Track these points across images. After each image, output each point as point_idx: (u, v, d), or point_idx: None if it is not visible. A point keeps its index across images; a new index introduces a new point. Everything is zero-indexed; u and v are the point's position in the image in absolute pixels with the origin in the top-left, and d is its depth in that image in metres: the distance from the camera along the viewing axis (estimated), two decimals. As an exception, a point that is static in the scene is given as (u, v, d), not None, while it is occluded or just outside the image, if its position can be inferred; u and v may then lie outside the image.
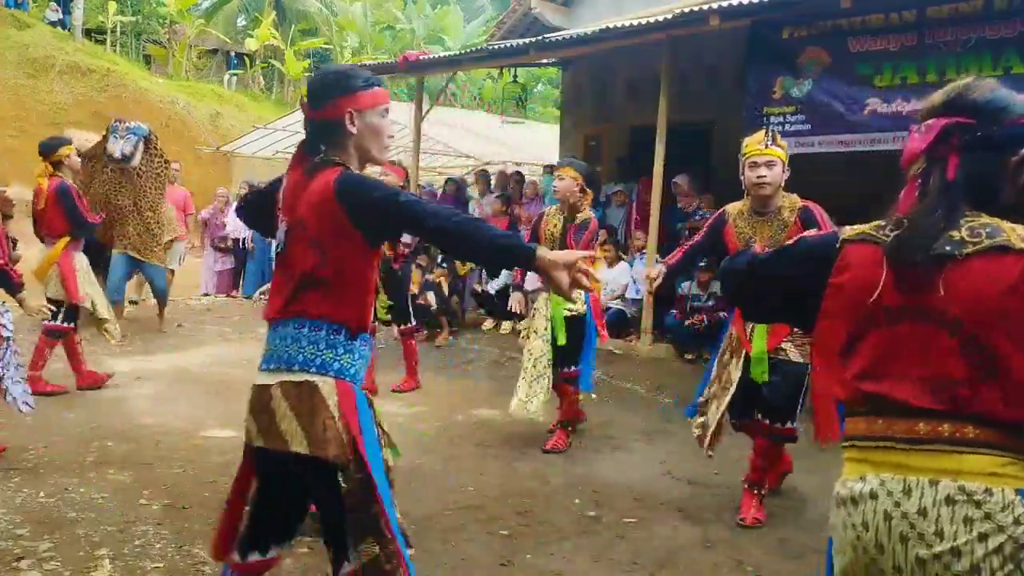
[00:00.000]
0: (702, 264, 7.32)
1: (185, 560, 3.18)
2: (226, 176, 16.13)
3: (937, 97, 1.60)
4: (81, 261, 5.65)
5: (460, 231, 1.95)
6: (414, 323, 6.20)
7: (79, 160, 5.84)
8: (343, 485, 1.98)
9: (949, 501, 1.44)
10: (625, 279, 8.14)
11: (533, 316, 4.89)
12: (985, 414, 1.45)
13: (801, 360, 3.68)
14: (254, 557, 2.17)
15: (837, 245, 1.62)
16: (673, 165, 7.64)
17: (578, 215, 4.75)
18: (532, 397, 4.69)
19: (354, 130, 2.07)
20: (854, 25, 6.43)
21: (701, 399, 4.02)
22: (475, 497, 3.99)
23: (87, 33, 23.81)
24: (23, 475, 4.02)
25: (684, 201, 8.23)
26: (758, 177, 3.67)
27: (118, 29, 26.78)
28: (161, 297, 8.04)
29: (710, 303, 7.33)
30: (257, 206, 2.39)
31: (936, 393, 1.48)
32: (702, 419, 3.98)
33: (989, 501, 1.41)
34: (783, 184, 3.76)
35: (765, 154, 3.67)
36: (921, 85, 6.04)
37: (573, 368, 4.80)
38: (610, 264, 8.17)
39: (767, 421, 3.79)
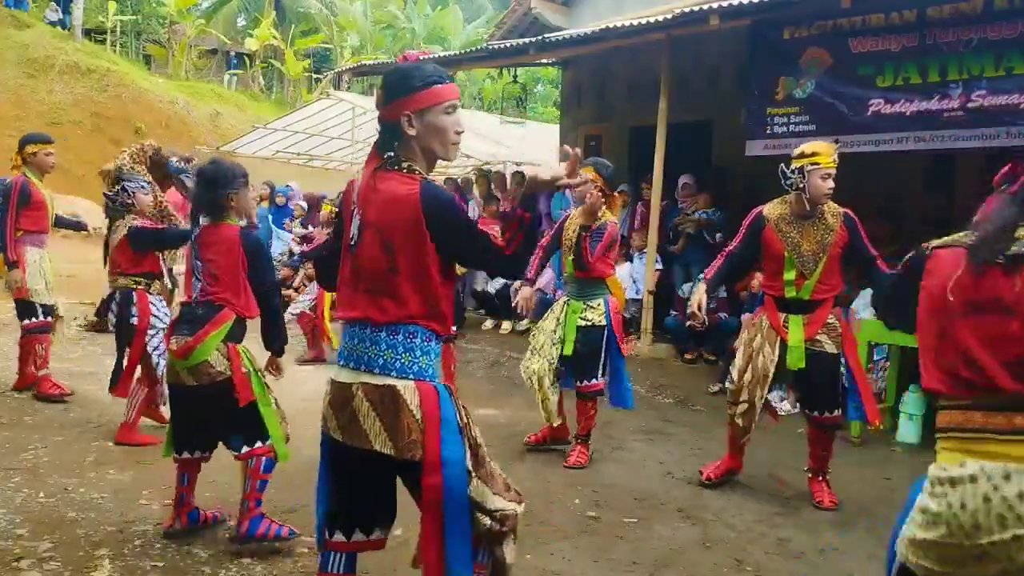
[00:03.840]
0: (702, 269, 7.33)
1: (185, 560, 3.17)
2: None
3: None
4: (33, 257, 5.49)
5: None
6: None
7: (50, 159, 5.61)
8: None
9: None
10: (626, 280, 8.13)
11: (546, 318, 4.78)
12: None
13: (835, 350, 3.97)
14: (358, 537, 2.23)
15: (928, 252, 1.88)
16: (673, 165, 7.64)
17: (596, 220, 4.57)
18: (544, 399, 4.58)
19: (413, 132, 2.07)
20: (855, 25, 6.42)
21: (732, 387, 4.13)
22: (475, 497, 3.98)
23: (87, 33, 23.81)
24: (23, 475, 4.01)
25: (688, 201, 8.23)
26: (829, 188, 3.91)
27: (118, 29, 26.80)
28: None
29: (711, 304, 7.31)
30: (332, 264, 2.29)
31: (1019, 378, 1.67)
32: (744, 407, 4.06)
33: None
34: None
35: (833, 166, 3.90)
36: (924, 85, 6.04)
37: (589, 382, 4.60)
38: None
39: (815, 413, 4.06)
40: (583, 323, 4.56)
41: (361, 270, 2.10)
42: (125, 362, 4.62)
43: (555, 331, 4.63)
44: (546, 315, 4.82)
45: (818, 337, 3.97)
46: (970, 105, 5.82)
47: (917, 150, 6.26)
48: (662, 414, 5.92)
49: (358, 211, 2.11)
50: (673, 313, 7.55)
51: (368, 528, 2.24)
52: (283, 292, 9.75)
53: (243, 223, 3.40)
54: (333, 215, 7.62)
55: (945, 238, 1.86)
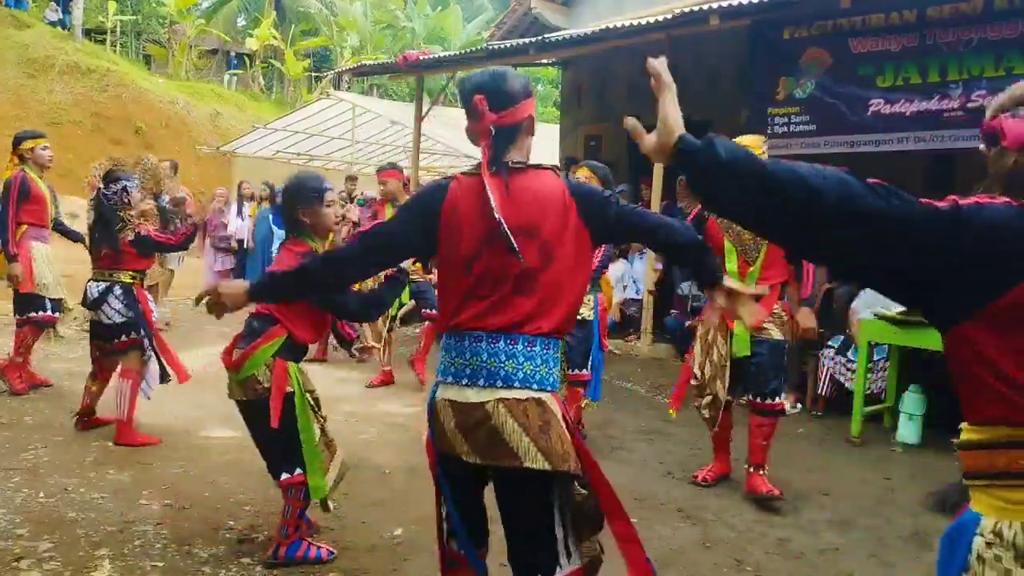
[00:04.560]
0: None
1: (185, 560, 3.17)
2: (226, 176, 16.14)
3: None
4: (40, 250, 5.56)
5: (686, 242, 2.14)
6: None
7: (47, 153, 5.65)
8: (582, 492, 2.03)
9: None
10: (618, 279, 8.13)
11: None
12: None
13: (781, 337, 4.04)
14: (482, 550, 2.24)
15: None
16: (673, 165, 7.63)
17: None
18: None
19: (531, 131, 2.13)
20: (854, 25, 6.42)
21: (695, 382, 4.25)
22: (475, 497, 3.98)
23: (87, 33, 23.80)
24: (23, 475, 4.01)
25: (686, 201, 8.22)
26: None
27: (118, 29, 26.80)
28: None
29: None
30: (385, 251, 2.20)
31: None
32: (708, 399, 4.20)
33: None
34: None
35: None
36: (924, 86, 6.05)
37: (578, 371, 4.79)
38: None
39: (757, 399, 4.07)
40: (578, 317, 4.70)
41: (492, 279, 2.00)
42: (163, 357, 4.67)
43: None
44: None
45: (764, 325, 4.04)
46: (970, 105, 5.82)
47: (917, 150, 6.27)
48: (662, 414, 5.91)
49: (501, 216, 1.96)
50: (673, 312, 7.55)
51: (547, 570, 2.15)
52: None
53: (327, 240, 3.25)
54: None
55: None
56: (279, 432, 3.03)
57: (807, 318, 4.22)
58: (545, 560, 1.99)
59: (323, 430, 3.18)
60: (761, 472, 4.09)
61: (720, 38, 7.45)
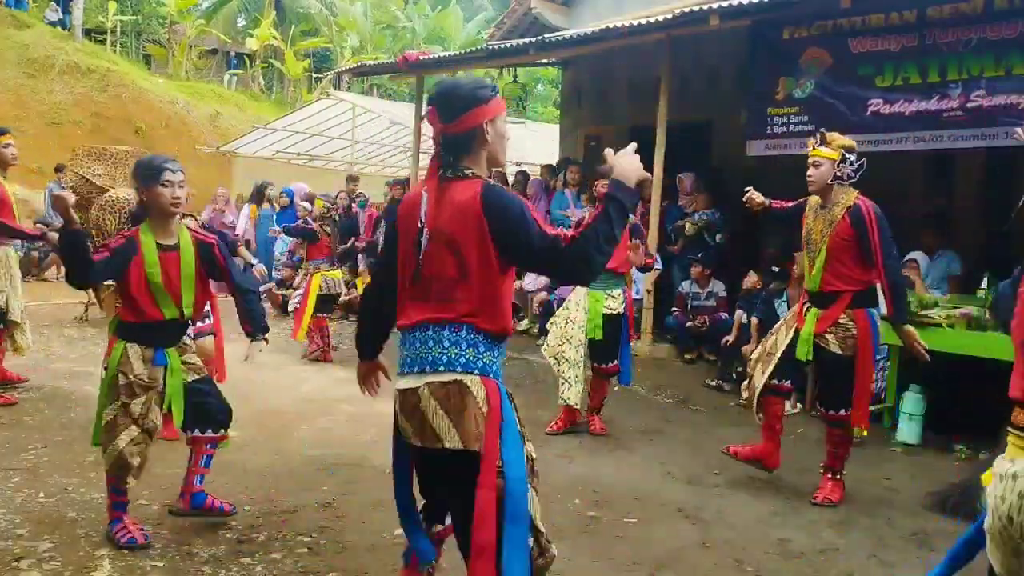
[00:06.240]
0: (696, 257, 7.36)
1: (185, 560, 3.17)
2: (226, 176, 16.12)
3: None
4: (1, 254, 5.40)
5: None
6: None
7: (9, 151, 5.43)
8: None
9: None
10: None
11: (567, 308, 5.16)
12: None
13: (840, 352, 3.98)
14: (437, 528, 2.41)
15: None
16: (673, 165, 7.64)
17: None
18: (575, 382, 5.03)
19: (489, 139, 2.16)
20: (854, 25, 6.42)
21: (741, 369, 4.38)
22: (475, 497, 3.98)
23: (87, 33, 23.78)
24: (23, 475, 4.01)
25: (685, 200, 8.23)
26: (807, 176, 4.04)
27: (118, 29, 26.78)
28: None
29: (710, 303, 7.33)
30: (390, 284, 2.31)
31: None
32: (746, 382, 4.27)
33: None
34: (833, 178, 4.00)
35: (813, 155, 4.02)
36: (923, 85, 6.04)
37: (609, 364, 5.14)
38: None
39: (824, 409, 4.12)
40: (608, 311, 5.04)
41: (427, 278, 2.15)
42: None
43: (581, 319, 5.02)
44: (565, 306, 5.22)
45: (826, 335, 4.00)
46: (969, 105, 5.82)
47: (916, 150, 6.27)
48: (662, 414, 5.92)
49: (424, 223, 2.14)
50: (674, 312, 7.55)
51: (442, 519, 2.42)
52: (283, 292, 9.76)
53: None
54: (325, 211, 7.63)
55: None
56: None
57: (910, 336, 3.92)
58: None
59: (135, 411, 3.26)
60: (830, 475, 4.12)
61: (720, 38, 7.45)
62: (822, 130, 4.14)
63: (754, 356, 4.28)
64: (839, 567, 3.38)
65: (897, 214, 7.07)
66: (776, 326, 4.33)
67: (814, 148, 4.00)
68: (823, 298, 4.03)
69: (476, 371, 2.11)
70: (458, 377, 2.09)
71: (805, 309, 4.10)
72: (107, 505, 3.33)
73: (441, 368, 2.10)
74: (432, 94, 2.22)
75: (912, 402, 5.27)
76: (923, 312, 5.05)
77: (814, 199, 4.16)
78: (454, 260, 2.10)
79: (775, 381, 4.12)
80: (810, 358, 4.06)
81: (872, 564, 3.42)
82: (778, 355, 4.09)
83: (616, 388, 5.63)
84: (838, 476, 4.12)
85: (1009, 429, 1.88)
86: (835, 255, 3.96)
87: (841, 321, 3.98)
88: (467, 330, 2.11)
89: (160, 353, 3.30)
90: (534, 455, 2.25)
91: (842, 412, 4.02)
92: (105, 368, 3.31)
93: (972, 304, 5.14)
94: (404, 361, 2.19)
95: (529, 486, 2.13)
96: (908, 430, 5.28)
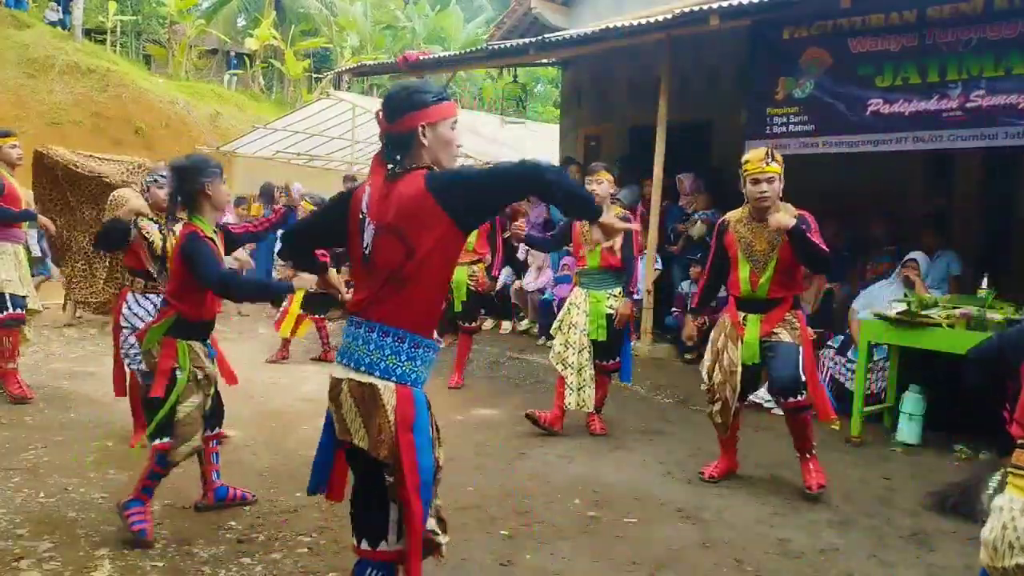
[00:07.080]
0: (696, 258, 7.37)
1: (185, 560, 3.18)
2: (227, 176, 16.13)
3: None
4: (6, 247, 5.42)
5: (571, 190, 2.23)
6: (477, 323, 6.67)
7: (15, 152, 5.59)
8: (389, 479, 2.15)
9: None
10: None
11: (569, 311, 5.18)
12: None
13: (792, 341, 4.08)
14: (382, 547, 2.21)
15: None
16: (673, 165, 7.65)
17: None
18: (583, 385, 5.05)
19: (426, 142, 2.19)
20: (854, 25, 6.42)
21: (706, 386, 4.30)
22: (475, 497, 3.99)
23: (87, 33, 23.77)
24: (23, 475, 4.02)
25: (685, 200, 8.24)
26: (760, 193, 4.02)
27: (118, 29, 26.77)
28: None
29: (711, 304, 7.32)
30: (309, 236, 2.55)
31: None
32: (718, 406, 4.23)
33: None
34: (780, 194, 4.08)
35: (766, 171, 4.00)
36: (923, 85, 6.04)
37: (611, 361, 5.18)
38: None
39: (781, 399, 4.17)
40: (610, 311, 5.07)
41: (373, 274, 2.19)
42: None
43: (587, 324, 5.05)
44: (566, 309, 5.23)
45: (775, 331, 4.09)
46: (969, 105, 5.82)
47: (916, 150, 6.27)
48: (662, 414, 5.92)
49: (370, 219, 2.20)
50: (674, 311, 7.55)
51: (373, 539, 2.21)
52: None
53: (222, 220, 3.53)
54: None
55: None
56: (161, 401, 3.28)
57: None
58: (372, 531, 2.20)
59: (201, 406, 3.41)
60: (807, 457, 4.19)
61: (720, 38, 7.45)
62: (770, 147, 4.18)
63: (716, 379, 4.21)
64: (839, 567, 3.39)
65: (897, 214, 7.14)
66: (717, 342, 4.24)
67: (767, 165, 4.00)
68: (766, 304, 4.13)
69: (393, 378, 2.15)
70: (373, 381, 2.15)
71: (742, 318, 4.15)
72: (137, 487, 3.35)
73: (362, 368, 2.17)
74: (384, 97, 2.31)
75: (912, 402, 5.27)
76: (923, 312, 5.05)
77: (735, 215, 4.21)
78: (403, 251, 2.12)
79: (748, 396, 4.31)
80: (756, 361, 4.12)
81: (872, 564, 3.42)
82: (739, 370, 4.12)
83: (619, 387, 5.65)
84: (812, 451, 4.21)
85: (1010, 470, 2.11)
86: (787, 265, 4.05)
87: (787, 317, 4.13)
88: (392, 336, 2.15)
89: (211, 348, 3.49)
90: (442, 461, 2.29)
91: (799, 398, 4.06)
92: (177, 368, 3.32)
93: (972, 304, 5.14)
94: (341, 349, 2.26)
95: (434, 487, 2.23)
96: (908, 430, 5.28)
